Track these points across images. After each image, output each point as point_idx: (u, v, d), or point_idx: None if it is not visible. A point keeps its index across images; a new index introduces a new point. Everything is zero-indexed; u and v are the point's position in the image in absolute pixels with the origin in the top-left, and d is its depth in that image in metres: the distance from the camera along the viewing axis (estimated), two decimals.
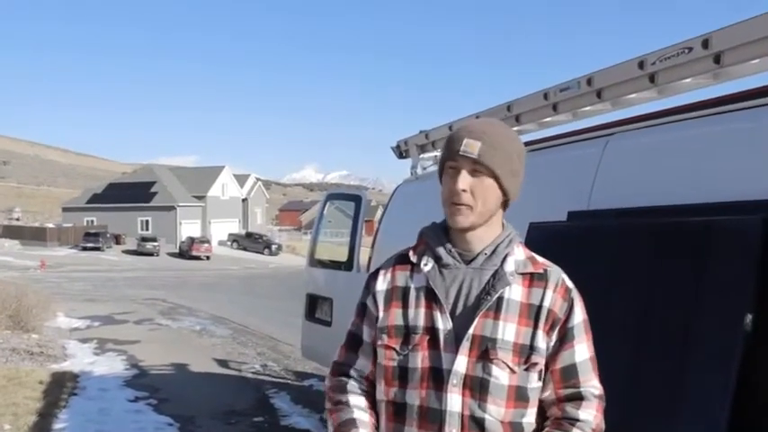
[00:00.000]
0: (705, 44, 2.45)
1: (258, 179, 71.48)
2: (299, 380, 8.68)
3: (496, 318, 1.47)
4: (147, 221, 51.58)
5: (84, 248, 44.28)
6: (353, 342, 1.67)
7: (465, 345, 1.46)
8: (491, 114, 3.68)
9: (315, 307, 5.93)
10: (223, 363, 9.66)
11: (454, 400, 1.46)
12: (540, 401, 1.54)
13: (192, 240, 45.29)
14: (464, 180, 1.50)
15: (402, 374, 1.52)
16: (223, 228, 56.78)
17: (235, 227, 59.29)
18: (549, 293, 1.52)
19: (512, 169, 1.53)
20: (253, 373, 9.05)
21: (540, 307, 1.51)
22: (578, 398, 1.51)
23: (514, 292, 1.50)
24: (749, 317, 1.88)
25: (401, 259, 1.63)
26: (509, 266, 1.52)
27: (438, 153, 4.47)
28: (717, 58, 2.44)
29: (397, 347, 1.53)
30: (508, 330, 1.47)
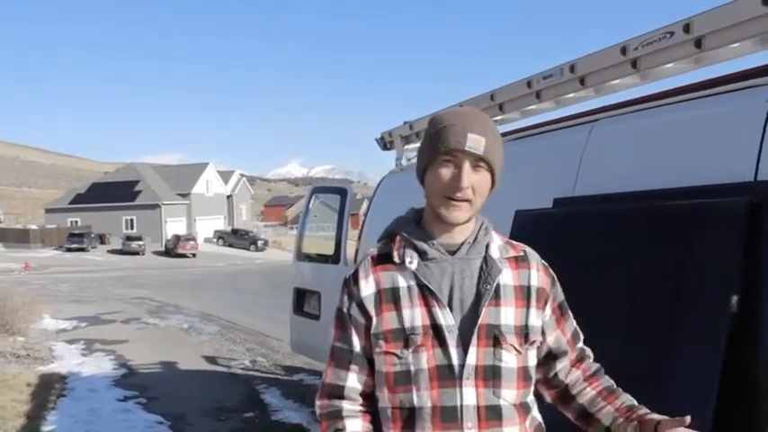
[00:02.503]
0: (686, 28, 2.47)
1: (243, 175, 71.10)
2: (288, 374, 8.66)
3: (497, 305, 1.48)
4: (131, 220, 51.11)
5: (69, 249, 43.73)
6: (341, 357, 1.55)
7: (475, 337, 1.45)
8: (474, 103, 3.67)
9: (303, 301, 5.92)
10: (212, 360, 9.61)
11: (469, 394, 1.43)
12: (554, 376, 1.63)
13: (177, 238, 44.93)
14: (468, 176, 1.44)
15: (407, 378, 1.46)
16: (208, 225, 56.43)
17: (220, 224, 58.97)
18: (535, 273, 1.57)
19: (502, 162, 1.52)
20: (242, 369, 9.02)
21: (529, 287, 1.54)
22: (585, 354, 1.67)
23: (506, 277, 1.52)
24: (735, 299, 1.89)
25: (382, 259, 1.55)
26: (495, 253, 1.53)
27: None
28: (698, 43, 2.46)
29: (398, 352, 1.47)
30: (509, 315, 1.49)
